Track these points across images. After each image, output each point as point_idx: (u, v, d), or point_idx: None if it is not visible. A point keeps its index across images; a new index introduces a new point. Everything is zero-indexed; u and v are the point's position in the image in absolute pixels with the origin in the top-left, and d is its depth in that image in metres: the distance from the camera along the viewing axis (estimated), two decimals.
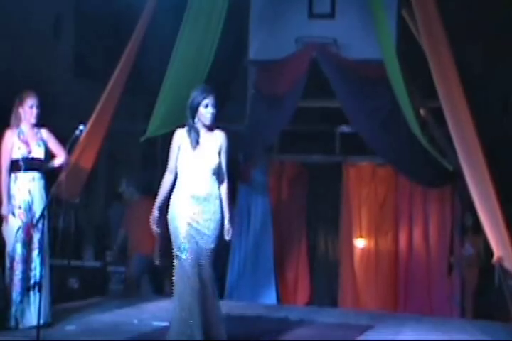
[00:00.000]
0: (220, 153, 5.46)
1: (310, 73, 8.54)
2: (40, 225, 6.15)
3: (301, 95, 8.57)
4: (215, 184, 5.44)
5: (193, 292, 5.22)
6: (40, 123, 6.38)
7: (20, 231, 6.22)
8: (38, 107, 6.33)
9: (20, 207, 6.26)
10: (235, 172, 9.21)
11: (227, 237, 5.44)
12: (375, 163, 9.13)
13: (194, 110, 5.48)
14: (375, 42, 7.88)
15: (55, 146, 6.42)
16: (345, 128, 9.26)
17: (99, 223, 10.33)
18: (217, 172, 5.45)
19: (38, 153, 6.32)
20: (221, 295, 9.09)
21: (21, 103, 6.32)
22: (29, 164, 6.28)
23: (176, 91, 7.70)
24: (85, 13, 11.80)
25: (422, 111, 8.61)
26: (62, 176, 6.60)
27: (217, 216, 5.40)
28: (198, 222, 5.32)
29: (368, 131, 8.37)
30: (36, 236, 6.23)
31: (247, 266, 9.16)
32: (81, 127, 6.14)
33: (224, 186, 5.51)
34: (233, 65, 9.41)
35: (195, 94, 5.48)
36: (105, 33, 10.99)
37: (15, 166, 6.27)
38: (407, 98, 7.49)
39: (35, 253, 6.23)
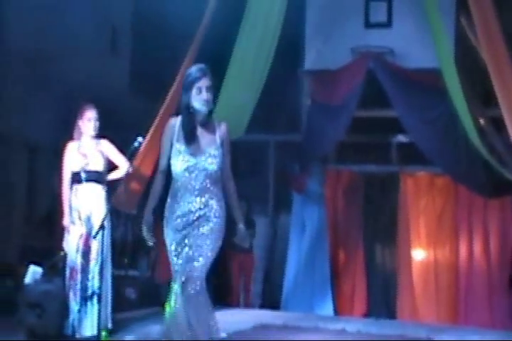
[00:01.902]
0: (221, 148, 4.66)
1: (366, 83, 8.49)
2: (99, 236, 6.21)
3: (357, 105, 8.52)
4: (215, 188, 4.66)
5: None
6: (100, 135, 6.47)
7: (80, 241, 6.31)
8: (97, 120, 6.42)
9: (80, 218, 6.35)
10: (290, 182, 9.22)
11: (245, 245, 4.86)
12: (432, 172, 9.01)
13: (186, 92, 4.58)
14: (432, 51, 7.78)
15: (116, 157, 6.49)
16: (401, 138, 9.16)
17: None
18: (220, 172, 4.67)
19: (98, 165, 6.41)
20: (277, 306, 9.08)
21: (81, 116, 6.42)
22: (89, 176, 6.36)
23: (231, 102, 7.73)
24: (142, 28, 11.95)
25: (481, 120, 8.47)
26: (121, 187, 6.67)
27: (218, 225, 4.67)
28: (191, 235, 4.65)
29: (425, 140, 8.27)
30: (95, 247, 6.30)
31: (303, 276, 9.11)
32: (139, 139, 6.18)
33: (230, 185, 4.73)
34: (288, 74, 9.40)
35: (188, 72, 4.64)
36: (162, 47, 11.09)
37: (75, 178, 6.37)
38: (465, 107, 7.38)
39: (93, 263, 6.30)
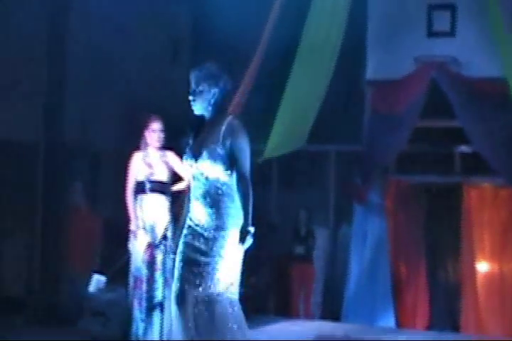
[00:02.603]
0: (223, 147, 4.20)
1: (428, 92, 8.40)
2: (162, 246, 6.28)
3: (419, 115, 8.43)
4: (223, 197, 4.22)
5: None
6: (165, 147, 6.53)
7: (145, 252, 6.35)
8: (162, 131, 6.48)
9: (144, 228, 6.40)
10: (351, 192, 9.16)
11: (242, 245, 4.14)
12: (497, 184, 8.84)
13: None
14: (497, 60, 7.68)
15: (180, 169, 6.54)
16: (465, 148, 9.03)
17: None
18: (224, 175, 4.23)
19: (162, 176, 6.45)
20: (337, 317, 9.01)
21: (147, 127, 6.49)
22: (153, 186, 6.42)
23: (293, 111, 7.73)
24: (202, 39, 12.05)
25: None
26: (185, 198, 6.70)
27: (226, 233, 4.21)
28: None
29: (489, 151, 8.14)
30: (159, 257, 6.33)
31: (365, 287, 9.03)
32: None
33: (241, 187, 4.19)
34: (349, 84, 9.37)
35: None
36: (222, 58, 11.17)
37: (140, 188, 6.43)
38: None
39: (157, 273, 6.33)
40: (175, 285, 4.29)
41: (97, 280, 6.62)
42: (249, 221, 4.14)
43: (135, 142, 6.63)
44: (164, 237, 6.22)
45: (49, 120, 10.20)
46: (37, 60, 9.98)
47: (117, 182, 7.12)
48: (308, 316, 9.26)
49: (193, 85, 4.39)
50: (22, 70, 9.82)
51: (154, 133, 6.46)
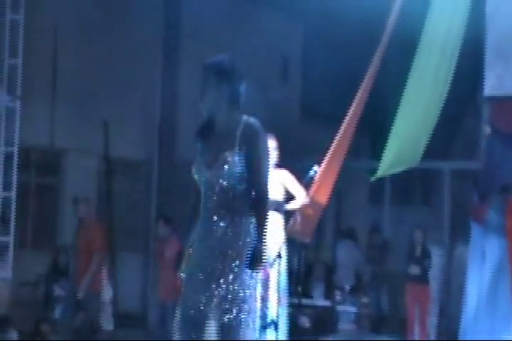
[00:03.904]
0: (239, 155, 3.61)
1: None
2: (276, 265, 6.27)
3: None
4: (240, 209, 3.67)
5: None
6: (280, 165, 6.55)
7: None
8: (276, 149, 6.50)
9: None
10: (468, 211, 8.92)
11: (257, 269, 3.71)
12: None
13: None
14: None
15: (294, 188, 6.53)
16: None
17: (327, 261, 10.39)
18: (242, 187, 3.66)
19: (277, 194, 6.46)
20: (454, 339, 8.76)
21: None
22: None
23: (407, 129, 7.58)
24: (312, 57, 12.09)
25: None
26: (297, 216, 6.69)
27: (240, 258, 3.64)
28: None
29: None
30: (273, 276, 6.33)
31: (483, 310, 8.73)
32: (315, 168, 6.25)
33: (258, 206, 3.70)
34: (466, 100, 9.15)
35: None
36: (333, 75, 11.15)
37: None
38: None
39: (271, 292, 6.33)
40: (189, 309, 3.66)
41: None
42: (264, 241, 3.67)
43: None
44: (278, 255, 6.22)
45: (164, 140, 10.46)
46: (150, 83, 10.26)
47: None
48: (424, 337, 9.05)
49: (200, 82, 3.71)
50: (137, 92, 10.12)
51: (270, 151, 6.48)
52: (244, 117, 3.63)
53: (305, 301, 8.42)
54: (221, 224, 3.63)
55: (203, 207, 3.67)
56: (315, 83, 11.86)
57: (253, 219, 3.69)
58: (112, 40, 9.78)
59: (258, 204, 3.68)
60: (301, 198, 6.54)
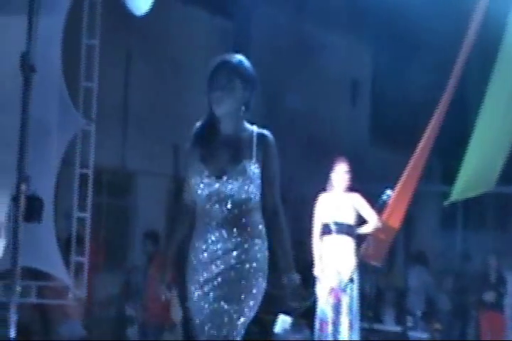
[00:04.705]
0: (256, 167, 3.25)
1: None
2: (349, 289, 6.21)
3: None
4: (254, 226, 3.26)
5: None
6: (352, 188, 6.50)
7: (330, 294, 6.32)
8: (348, 173, 6.46)
9: (329, 271, 6.37)
10: None
11: (295, 304, 3.24)
12: None
13: (208, 102, 3.36)
14: None
15: (366, 212, 6.48)
16: None
17: (399, 286, 10.23)
18: (254, 201, 3.27)
19: (348, 218, 6.42)
20: None
21: (333, 168, 6.50)
22: (339, 228, 6.39)
23: (482, 152, 7.44)
24: (382, 80, 12.01)
25: None
26: (369, 240, 6.62)
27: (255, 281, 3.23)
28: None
29: None
30: (345, 300, 6.28)
31: None
32: (388, 192, 6.20)
33: (276, 221, 3.30)
34: None
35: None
36: (403, 99, 11.05)
37: (325, 229, 6.43)
38: None
39: (343, 317, 6.27)
40: None
41: (283, 321, 6.64)
42: (293, 268, 3.19)
43: (319, 184, 6.66)
44: (351, 280, 6.17)
45: None
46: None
47: (296, 223, 7.17)
48: None
49: (221, 78, 3.28)
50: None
51: (341, 174, 6.46)
52: (254, 127, 3.31)
53: (376, 326, 8.30)
54: (229, 245, 3.20)
55: (202, 223, 3.23)
56: (385, 106, 11.79)
57: (266, 240, 3.25)
58: (180, 66, 9.92)
59: (274, 220, 3.26)
60: (373, 222, 6.48)
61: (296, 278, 3.17)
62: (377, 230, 6.93)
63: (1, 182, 6.16)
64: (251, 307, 3.20)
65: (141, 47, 9.59)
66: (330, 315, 6.28)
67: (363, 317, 7.42)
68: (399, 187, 7.09)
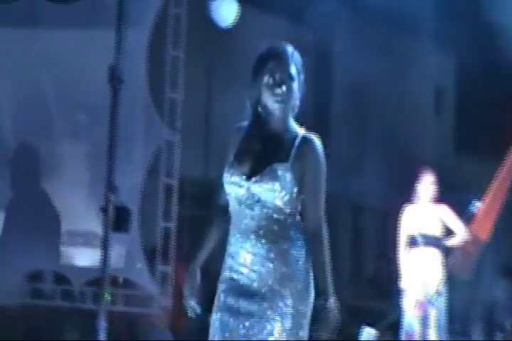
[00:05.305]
0: (292, 172, 2.84)
1: None
2: (436, 302, 6.11)
3: None
4: (288, 235, 2.85)
5: None
6: (439, 200, 6.40)
7: (416, 307, 6.22)
8: (434, 184, 6.37)
9: (414, 284, 6.26)
10: None
11: (326, 331, 2.74)
12: None
13: (254, 84, 2.94)
14: None
15: (454, 223, 6.36)
16: None
17: (487, 299, 9.99)
18: (289, 212, 2.86)
19: (435, 230, 6.32)
20: None
21: (419, 180, 6.42)
22: (426, 240, 6.30)
23: None
24: (467, 87, 11.79)
25: None
26: (457, 252, 6.50)
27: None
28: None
29: None
30: (432, 313, 6.18)
31: None
32: (476, 203, 6.09)
33: (315, 235, 2.83)
34: None
35: (258, 55, 2.98)
36: (490, 105, 10.83)
37: (411, 241, 6.34)
38: None
39: (431, 330, 6.16)
40: None
41: (368, 334, 6.59)
42: (331, 296, 2.76)
43: (403, 195, 6.57)
44: (438, 293, 6.05)
45: None
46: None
47: (381, 236, 7.08)
48: None
49: (277, 70, 2.89)
50: None
51: (426, 186, 6.36)
52: (302, 129, 2.94)
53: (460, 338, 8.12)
54: (262, 252, 2.82)
55: (236, 225, 2.89)
56: (470, 114, 11.56)
57: (304, 254, 2.83)
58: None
59: (314, 239, 2.82)
60: (461, 234, 6.35)
61: (332, 303, 2.74)
62: (464, 242, 6.78)
63: (90, 192, 6.30)
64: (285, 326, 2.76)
65: (222, 58, 9.69)
66: (417, 328, 6.18)
67: (450, 331, 7.28)
68: (487, 199, 6.93)
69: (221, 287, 2.88)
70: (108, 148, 5.87)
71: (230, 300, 2.83)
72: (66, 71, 6.68)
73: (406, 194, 6.53)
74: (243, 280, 2.83)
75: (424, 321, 6.17)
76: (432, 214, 6.34)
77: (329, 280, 2.78)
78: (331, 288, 2.77)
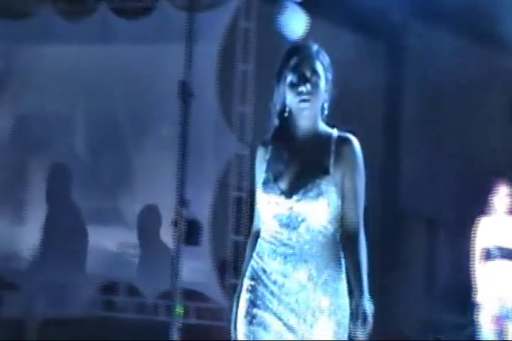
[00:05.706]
0: (335, 184, 2.66)
1: None
2: None
3: None
4: (332, 257, 2.69)
5: None
6: None
7: (493, 322, 6.12)
8: (510, 195, 6.24)
9: (490, 298, 6.16)
10: None
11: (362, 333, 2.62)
12: None
13: (278, 86, 2.76)
14: None
15: None
16: None
17: None
18: (333, 228, 2.69)
19: (511, 243, 6.19)
20: None
21: (494, 191, 6.32)
22: (502, 253, 6.20)
23: None
24: None
25: None
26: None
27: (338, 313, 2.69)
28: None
29: None
30: (509, 328, 6.07)
31: None
32: None
33: (353, 250, 2.68)
34: None
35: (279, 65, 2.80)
36: None
37: (487, 255, 6.24)
38: None
39: None
40: None
41: None
42: (366, 294, 2.63)
43: (478, 208, 6.46)
44: None
45: (386, 185, 10.35)
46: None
47: (456, 250, 6.96)
48: None
49: (304, 68, 2.70)
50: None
51: (502, 197, 6.26)
52: (335, 130, 2.72)
53: None
54: (303, 275, 2.65)
55: (271, 250, 2.67)
56: None
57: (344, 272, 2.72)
58: None
59: (351, 239, 2.67)
60: None
61: (367, 304, 2.63)
62: None
63: (163, 204, 6.37)
64: None
65: None
66: None
67: None
68: None
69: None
70: (179, 162, 5.93)
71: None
72: (136, 86, 6.78)
73: (481, 206, 6.43)
74: (282, 303, 2.70)
75: (501, 336, 6.07)
76: (508, 227, 6.24)
77: (364, 280, 2.64)
78: (365, 290, 2.64)
